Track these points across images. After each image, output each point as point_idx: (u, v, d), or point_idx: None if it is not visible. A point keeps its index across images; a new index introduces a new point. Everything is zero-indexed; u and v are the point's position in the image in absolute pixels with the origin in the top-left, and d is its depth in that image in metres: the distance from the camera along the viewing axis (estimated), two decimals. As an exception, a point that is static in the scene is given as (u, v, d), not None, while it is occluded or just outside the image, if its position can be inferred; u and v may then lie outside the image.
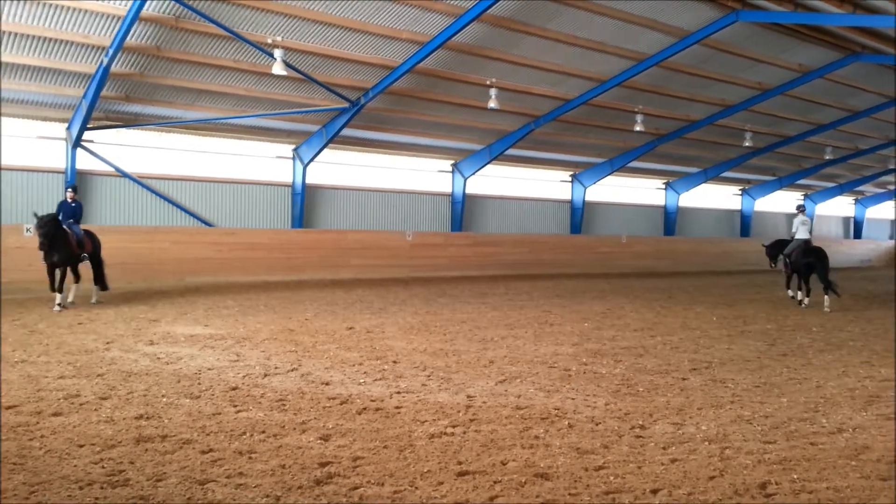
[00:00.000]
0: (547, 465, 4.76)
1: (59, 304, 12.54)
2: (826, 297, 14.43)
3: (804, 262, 14.91)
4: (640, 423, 5.83)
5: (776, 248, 16.60)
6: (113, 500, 4.07)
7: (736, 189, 35.37)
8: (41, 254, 12.56)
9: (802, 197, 38.42)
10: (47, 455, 4.80)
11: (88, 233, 13.93)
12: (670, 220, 32.22)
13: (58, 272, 12.69)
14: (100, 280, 13.99)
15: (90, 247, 13.73)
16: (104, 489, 4.23)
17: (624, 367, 8.21)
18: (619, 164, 27.74)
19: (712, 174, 31.35)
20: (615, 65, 20.33)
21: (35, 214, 12.55)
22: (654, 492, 4.36)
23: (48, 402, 6.15)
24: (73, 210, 13.66)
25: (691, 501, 4.24)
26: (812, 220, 37.74)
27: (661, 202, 32.41)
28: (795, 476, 4.66)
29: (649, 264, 29.00)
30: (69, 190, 13.90)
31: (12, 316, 11.48)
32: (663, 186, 32.26)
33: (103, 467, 4.59)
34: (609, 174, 28.30)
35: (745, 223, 35.41)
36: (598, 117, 23.94)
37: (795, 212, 16.19)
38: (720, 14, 18.20)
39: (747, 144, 27.63)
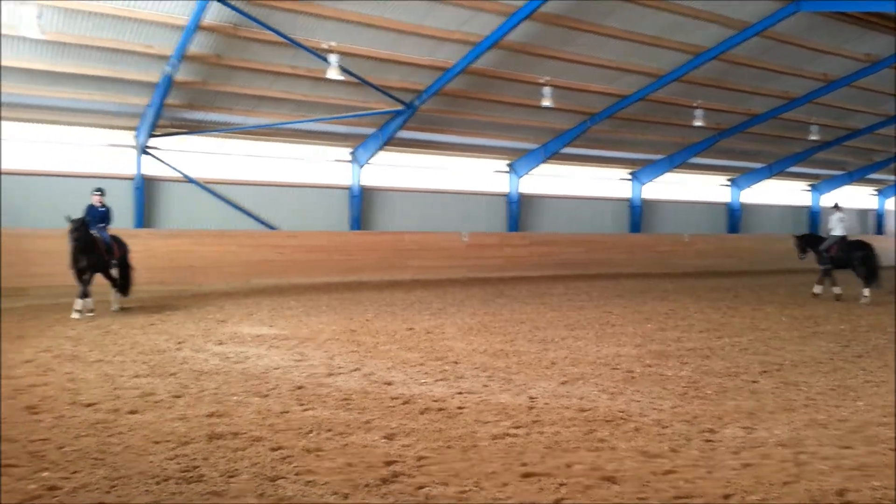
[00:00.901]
0: (613, 469, 4.70)
1: (78, 311, 11.97)
2: (867, 290, 15.19)
3: (857, 255, 15.33)
4: (710, 426, 5.70)
5: (806, 241, 16.69)
6: (188, 496, 4.20)
7: (803, 184, 34.19)
8: (69, 260, 12.02)
9: (876, 192, 36.92)
10: (125, 451, 4.98)
11: (116, 238, 13.20)
12: (734, 217, 31.37)
13: (87, 277, 12.18)
14: (123, 286, 13.25)
15: (118, 252, 13.02)
16: (179, 484, 4.37)
17: (690, 369, 8.03)
18: (678, 160, 27.16)
19: (777, 169, 30.36)
20: (672, 59, 19.92)
21: (67, 218, 11.87)
22: (727, 497, 4.26)
23: (125, 399, 6.40)
24: (101, 214, 12.96)
25: (766, 507, 4.12)
26: (877, 218, 36.53)
27: (725, 199, 31.59)
28: (876, 483, 4.48)
29: (713, 263, 28.25)
30: (96, 193, 13.02)
31: (86, 318, 11.96)
32: (727, 183, 31.43)
33: (178, 463, 4.74)
34: (668, 171, 27.74)
35: (813, 219, 34.19)
36: (655, 113, 23.49)
37: (832, 209, 16.51)
38: (781, 4, 17.63)
39: (813, 138, 26.63)
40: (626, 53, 19.30)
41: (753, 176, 30.91)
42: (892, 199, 37.34)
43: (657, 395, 6.76)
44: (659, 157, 27.42)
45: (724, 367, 8.16)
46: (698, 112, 22.95)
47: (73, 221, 11.75)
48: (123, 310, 12.98)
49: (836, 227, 15.98)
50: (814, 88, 23.16)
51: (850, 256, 15.43)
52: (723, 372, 7.86)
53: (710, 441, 5.32)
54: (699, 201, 30.81)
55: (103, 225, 12.92)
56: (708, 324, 11.86)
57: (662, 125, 24.56)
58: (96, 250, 12.21)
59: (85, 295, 12.09)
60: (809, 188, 34.40)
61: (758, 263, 29.12)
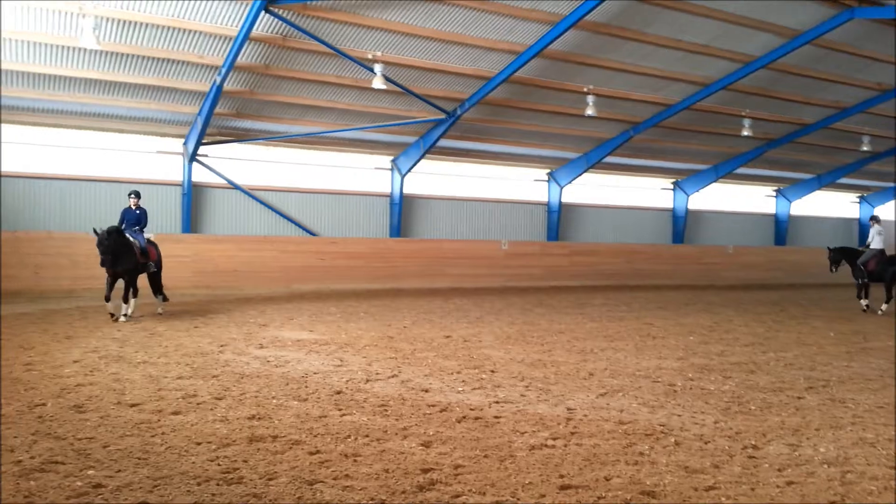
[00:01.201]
0: (653, 483, 4.62)
1: (124, 315, 12.14)
2: (885, 305, 15.53)
3: (892, 270, 15.58)
4: (753, 442, 5.56)
5: (840, 255, 16.69)
6: (228, 497, 4.25)
7: (853, 196, 33.26)
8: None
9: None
10: (168, 451, 5.08)
11: (150, 241, 13.15)
12: (781, 229, 30.64)
13: (120, 282, 12.16)
14: (159, 290, 13.21)
15: (155, 255, 12.94)
16: (220, 486, 4.43)
17: (734, 383, 7.85)
18: (724, 170, 26.69)
19: (827, 181, 29.61)
20: (720, 68, 19.62)
21: (95, 231, 11.72)
22: (770, 515, 4.15)
23: (168, 401, 6.53)
24: (136, 217, 12.80)
25: (811, 527, 4.00)
26: None
27: (772, 210, 30.90)
28: (929, 506, 4.31)
29: (759, 276, 27.65)
30: (132, 196, 12.90)
31: (133, 319, 12.27)
32: (773, 194, 30.75)
33: (219, 465, 4.82)
34: (714, 181, 27.28)
35: (863, 232, 33.21)
36: (701, 122, 23.15)
37: (870, 222, 16.56)
38: (834, 12, 17.22)
39: (865, 149, 25.93)
40: (671, 62, 19.08)
41: (802, 187, 30.18)
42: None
43: (699, 409, 6.62)
44: (704, 166, 27.00)
45: (769, 382, 7.96)
46: (746, 121, 22.55)
47: (98, 235, 11.57)
48: (154, 314, 13.02)
49: (874, 241, 16.05)
50: (867, 98, 22.56)
51: (886, 271, 15.64)
52: (767, 387, 7.66)
53: (753, 457, 5.19)
54: (745, 212, 30.20)
55: (138, 228, 12.81)
56: (753, 337, 11.59)
57: (708, 135, 24.18)
58: (131, 254, 12.07)
59: (125, 300, 12.18)
60: (858, 200, 33.44)
61: (805, 277, 28.37)
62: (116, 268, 11.88)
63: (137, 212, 12.86)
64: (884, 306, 15.76)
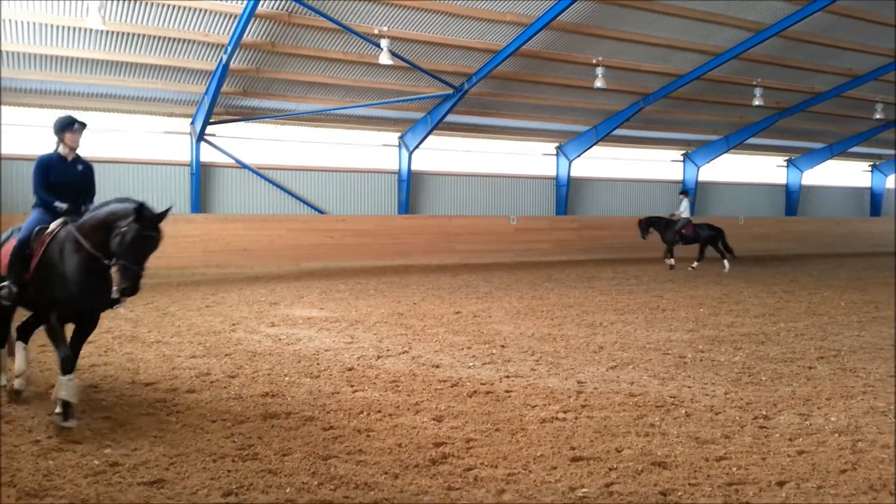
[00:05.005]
0: (664, 454, 4.65)
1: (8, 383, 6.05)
2: (726, 261, 18.72)
3: (709, 235, 19.14)
4: (764, 413, 5.58)
5: (648, 224, 19.98)
6: (244, 473, 4.32)
7: (865, 165, 32.90)
8: (23, 290, 5.58)
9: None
10: (183, 429, 5.16)
11: None
12: (793, 199, 30.39)
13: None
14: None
15: None
16: (235, 462, 4.51)
17: (744, 354, 7.86)
18: (735, 141, 26.41)
19: (839, 150, 29.26)
20: (731, 36, 19.32)
21: (142, 207, 5.76)
22: (781, 484, 4.17)
23: (182, 379, 6.61)
24: (81, 180, 6.13)
25: (821, 495, 4.02)
26: None
27: (783, 180, 30.62)
28: (941, 474, 4.32)
29: (770, 246, 27.43)
30: (74, 129, 6.11)
31: (145, 300, 12.36)
32: (784, 164, 30.46)
33: (234, 441, 4.89)
34: (725, 152, 27.00)
35: (875, 201, 32.90)
36: (712, 92, 22.87)
37: (680, 196, 20.26)
38: (849, -23, 16.90)
39: (878, 117, 25.55)
40: (681, 31, 18.81)
41: (814, 156, 29.86)
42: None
43: (710, 380, 6.64)
44: (715, 137, 26.73)
45: (780, 352, 7.96)
46: (757, 91, 22.25)
47: (147, 216, 5.78)
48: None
49: (685, 211, 19.51)
50: (881, 65, 22.19)
51: (700, 234, 19.10)
52: (778, 357, 7.67)
53: (764, 427, 5.22)
54: (756, 183, 29.94)
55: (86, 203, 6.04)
56: (763, 308, 11.57)
57: (719, 105, 23.91)
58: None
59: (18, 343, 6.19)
60: (870, 168, 33.08)
61: (817, 247, 28.18)
62: (88, 302, 5.51)
63: (80, 167, 6.16)
64: (695, 263, 18.87)
